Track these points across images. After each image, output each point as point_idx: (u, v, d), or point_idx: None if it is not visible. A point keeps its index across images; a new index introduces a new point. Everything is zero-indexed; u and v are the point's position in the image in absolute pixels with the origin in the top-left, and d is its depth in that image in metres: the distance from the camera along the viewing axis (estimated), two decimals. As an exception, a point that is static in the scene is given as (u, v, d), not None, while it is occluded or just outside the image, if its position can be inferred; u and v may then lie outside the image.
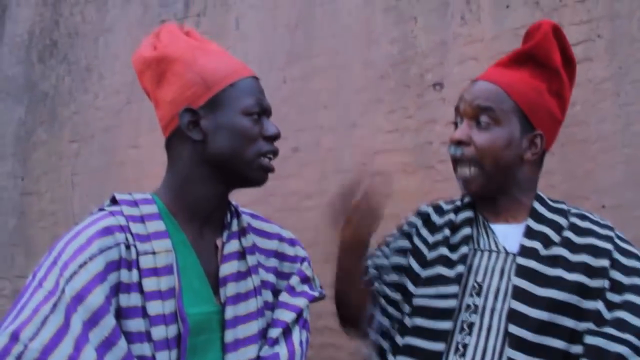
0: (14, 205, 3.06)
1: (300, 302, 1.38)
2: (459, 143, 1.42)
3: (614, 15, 2.03)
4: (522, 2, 2.14)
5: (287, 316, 1.35)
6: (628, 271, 1.31)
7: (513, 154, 1.40)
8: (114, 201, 1.29)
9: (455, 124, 1.47)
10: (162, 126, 1.34)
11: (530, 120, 1.42)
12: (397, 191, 2.18)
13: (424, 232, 1.53)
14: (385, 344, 1.45)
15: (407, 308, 1.44)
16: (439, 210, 1.55)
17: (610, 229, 1.40)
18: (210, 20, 2.61)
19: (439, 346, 1.34)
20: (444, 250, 1.43)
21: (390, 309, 1.48)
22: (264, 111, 1.34)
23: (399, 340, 1.41)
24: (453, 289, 1.36)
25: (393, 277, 1.51)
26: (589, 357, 1.24)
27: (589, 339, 1.25)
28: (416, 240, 1.52)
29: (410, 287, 1.45)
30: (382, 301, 1.49)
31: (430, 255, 1.45)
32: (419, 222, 1.56)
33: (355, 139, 2.29)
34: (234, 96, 1.29)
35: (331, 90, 2.36)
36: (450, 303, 1.35)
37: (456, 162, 1.44)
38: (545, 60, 1.44)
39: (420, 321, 1.38)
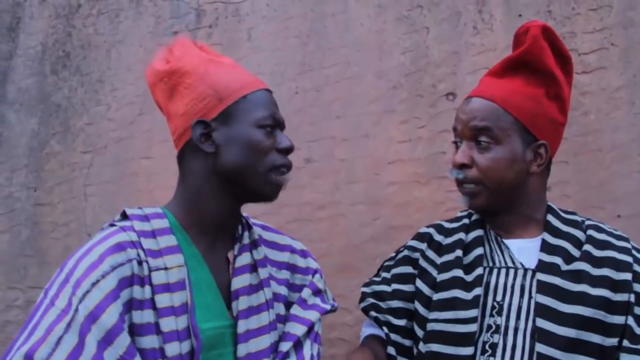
0: (27, 216, 3.07)
1: (312, 315, 1.37)
2: (461, 166, 1.39)
3: (628, 23, 2.02)
4: (535, 11, 2.14)
5: (299, 330, 1.33)
6: None
7: (518, 169, 1.37)
8: (124, 216, 1.28)
9: (456, 144, 1.44)
10: (174, 139, 1.33)
11: (532, 131, 1.38)
12: (411, 201, 2.18)
13: (430, 253, 1.49)
14: None
15: (420, 332, 1.41)
16: (442, 230, 1.52)
17: (626, 240, 1.38)
18: (222, 31, 2.61)
19: None
20: (458, 272, 1.38)
21: (394, 336, 1.46)
22: (278, 124, 1.33)
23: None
24: (473, 312, 1.32)
25: (396, 303, 1.48)
26: None
27: (626, 358, 1.23)
28: (423, 263, 1.49)
29: (422, 311, 1.42)
30: (385, 329, 1.47)
31: (441, 277, 1.41)
32: (423, 245, 1.52)
33: (368, 149, 2.28)
34: (246, 108, 1.28)
35: (343, 101, 2.36)
36: (471, 327, 1.31)
37: (460, 183, 1.42)
38: (539, 65, 1.39)
39: (437, 347, 1.34)
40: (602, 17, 2.06)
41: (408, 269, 1.50)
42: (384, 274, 1.57)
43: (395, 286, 1.50)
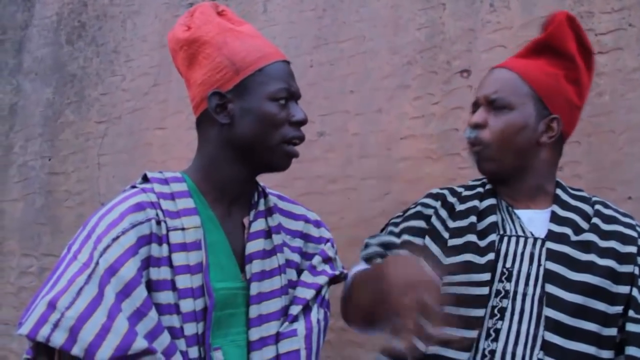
0: (41, 184, 3.11)
1: (320, 279, 1.40)
2: (475, 126, 1.45)
3: (646, 4, 2.01)
4: (553, -11, 2.13)
5: (307, 293, 1.36)
6: None
7: (528, 137, 1.43)
8: (145, 179, 1.32)
9: (474, 111, 1.50)
10: (193, 107, 1.36)
11: (547, 104, 1.44)
12: (422, 177, 2.19)
13: (443, 213, 1.50)
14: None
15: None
16: (455, 193, 1.54)
17: (631, 217, 1.45)
18: (238, 3, 2.61)
19: (472, 334, 1.33)
20: (472, 237, 1.41)
21: None
22: (292, 96, 1.34)
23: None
24: (485, 276, 1.36)
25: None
26: (634, 344, 1.28)
27: (633, 327, 1.29)
28: (435, 222, 1.49)
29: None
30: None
31: (453, 241, 1.43)
32: (437, 204, 1.52)
33: (381, 124, 2.29)
34: (261, 81, 1.30)
35: (358, 76, 2.36)
36: (483, 290, 1.35)
37: (472, 145, 1.47)
38: (561, 48, 1.47)
39: (449, 309, 1.33)
40: (621, -3, 2.04)
41: (420, 223, 1.50)
42: (392, 228, 1.55)
43: (405, 237, 1.49)
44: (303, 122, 1.34)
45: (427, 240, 1.47)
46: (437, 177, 2.16)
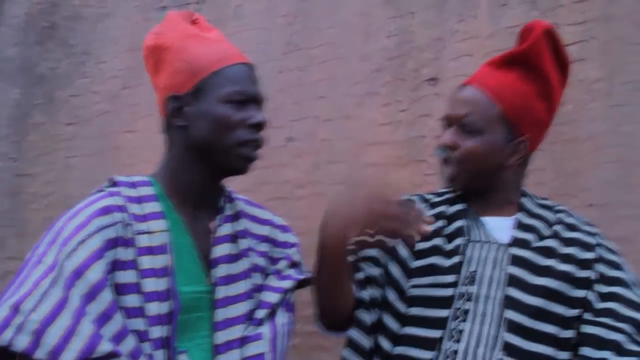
0: (8, 186, 3.07)
1: (286, 284, 1.41)
2: (445, 147, 1.47)
3: (609, 17, 2.06)
4: (519, 1, 2.17)
5: (273, 297, 1.38)
6: (611, 265, 1.41)
7: (496, 160, 1.45)
8: (112, 182, 1.32)
9: (445, 126, 1.51)
10: (159, 111, 1.38)
11: (516, 126, 1.45)
12: (389, 183, 2.21)
13: None
14: (366, 341, 1.44)
15: (392, 295, 1.44)
16: (425, 200, 1.56)
17: (591, 225, 1.49)
18: (210, 8, 2.62)
19: (436, 333, 1.36)
20: (438, 241, 1.45)
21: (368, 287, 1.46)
22: (250, 99, 1.34)
23: (397, 329, 1.42)
24: (450, 278, 1.40)
25: (373, 252, 1.48)
26: (588, 345, 1.32)
27: (588, 328, 1.34)
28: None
29: (398, 275, 1.45)
30: (358, 275, 1.46)
31: (421, 245, 1.45)
32: None
33: (349, 130, 2.32)
34: (216, 83, 1.31)
35: (327, 82, 2.38)
36: (448, 292, 1.39)
37: (442, 162, 1.50)
38: (536, 63, 1.46)
39: (416, 310, 1.40)
40: (584, 10, 2.09)
41: None
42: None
43: (378, 238, 1.46)
44: (260, 124, 1.33)
45: (400, 249, 1.48)
46: (404, 183, 2.19)
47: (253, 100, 1.35)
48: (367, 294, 1.45)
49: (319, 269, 1.39)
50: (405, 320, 1.42)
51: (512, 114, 1.44)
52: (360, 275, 1.47)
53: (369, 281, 1.47)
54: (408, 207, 1.25)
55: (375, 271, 1.48)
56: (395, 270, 1.46)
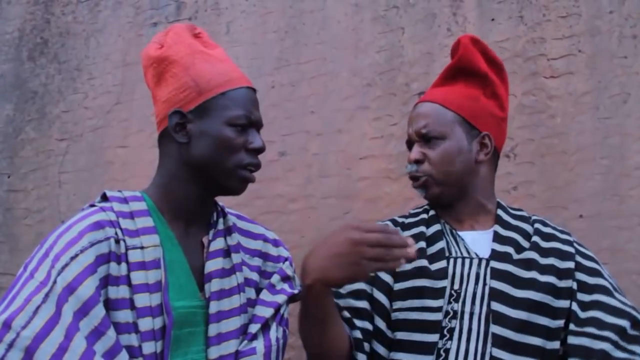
0: (0, 202, 3.06)
1: (279, 298, 1.41)
2: (415, 162, 1.52)
3: (595, 31, 2.09)
4: (507, 16, 2.20)
5: (266, 312, 1.38)
6: (591, 272, 1.43)
7: (466, 158, 1.50)
8: (104, 198, 1.32)
9: (410, 145, 1.56)
10: (157, 123, 1.39)
11: (474, 124, 1.52)
12: (381, 196, 2.23)
13: None
14: None
15: (379, 321, 1.44)
16: (396, 224, 1.58)
17: (568, 234, 1.52)
18: (201, 24, 2.63)
19: (428, 359, 1.36)
20: (423, 262, 1.44)
21: (359, 322, 1.45)
22: (252, 123, 1.37)
23: (385, 354, 1.42)
24: (439, 302, 1.39)
25: (358, 285, 1.48)
26: (576, 355, 1.33)
27: (574, 339, 1.35)
28: None
29: (383, 299, 1.45)
30: (346, 314, 1.45)
31: (402, 267, 1.42)
32: None
33: (341, 144, 2.33)
34: (222, 105, 1.33)
35: (318, 97, 2.40)
36: (438, 315, 1.38)
37: (414, 179, 1.53)
38: (473, 69, 1.55)
39: (402, 335, 1.40)
40: (571, 24, 2.13)
41: None
42: None
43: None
44: (260, 150, 1.37)
45: (381, 274, 1.48)
46: (396, 196, 2.21)
47: (254, 125, 1.38)
48: (359, 331, 1.43)
49: (305, 316, 1.37)
50: (392, 345, 1.41)
51: (466, 114, 1.51)
52: (346, 315, 1.44)
53: (359, 315, 1.45)
54: (388, 231, 1.22)
55: (364, 304, 1.47)
56: (379, 295, 1.46)
